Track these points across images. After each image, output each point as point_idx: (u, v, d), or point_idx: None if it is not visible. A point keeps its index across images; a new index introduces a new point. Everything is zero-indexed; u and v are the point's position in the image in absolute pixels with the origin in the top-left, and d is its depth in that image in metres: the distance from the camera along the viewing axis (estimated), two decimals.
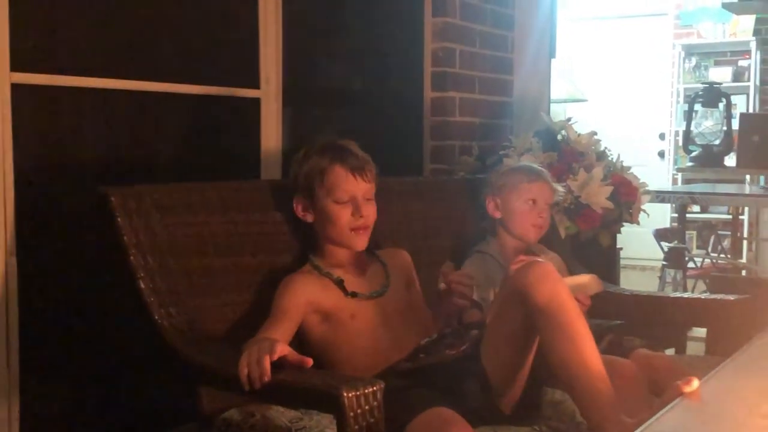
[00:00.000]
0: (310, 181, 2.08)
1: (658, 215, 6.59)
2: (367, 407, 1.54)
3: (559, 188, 2.61)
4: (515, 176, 2.53)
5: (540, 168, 2.61)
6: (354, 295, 2.07)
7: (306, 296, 2.01)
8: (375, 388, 1.56)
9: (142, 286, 1.91)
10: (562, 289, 1.84)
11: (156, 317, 1.91)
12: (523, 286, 1.85)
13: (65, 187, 2.31)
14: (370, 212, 2.11)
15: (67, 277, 2.29)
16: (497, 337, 1.93)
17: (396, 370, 1.98)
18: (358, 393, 1.53)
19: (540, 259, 1.95)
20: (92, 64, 2.36)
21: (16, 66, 2.14)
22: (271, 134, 2.81)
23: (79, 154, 2.37)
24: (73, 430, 2.33)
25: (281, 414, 1.92)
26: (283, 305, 1.98)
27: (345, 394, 1.52)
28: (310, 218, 2.12)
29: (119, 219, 1.93)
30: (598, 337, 2.28)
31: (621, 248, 3.64)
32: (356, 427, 1.52)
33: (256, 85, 2.78)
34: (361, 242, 2.12)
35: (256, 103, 2.78)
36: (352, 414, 1.52)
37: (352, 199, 2.09)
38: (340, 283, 2.07)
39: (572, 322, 1.81)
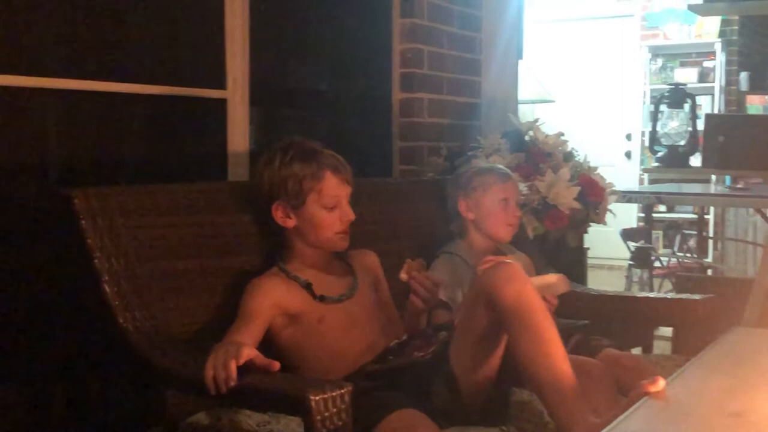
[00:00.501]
0: (296, 187, 2.07)
1: (625, 215, 6.62)
2: (334, 410, 1.53)
3: (523, 188, 2.64)
4: (486, 177, 2.55)
5: (506, 168, 2.64)
6: (322, 298, 2.06)
7: (273, 299, 2.00)
8: (343, 391, 1.55)
9: (107, 289, 1.89)
10: (530, 290, 1.85)
11: (121, 321, 1.89)
12: (490, 287, 1.85)
13: (28, 189, 2.28)
14: (352, 215, 2.12)
15: (30, 280, 2.26)
16: (465, 337, 1.92)
17: (364, 372, 1.97)
18: (325, 396, 1.52)
19: (508, 260, 1.95)
20: (55, 64, 2.33)
21: None
22: (238, 135, 2.79)
23: (42, 155, 2.34)
24: None
25: (248, 417, 1.90)
26: (249, 308, 1.97)
27: (312, 398, 1.51)
28: (291, 223, 2.10)
29: (83, 221, 1.90)
30: (566, 337, 2.29)
31: (588, 248, 3.66)
32: (324, 430, 1.51)
33: (222, 86, 2.76)
34: (346, 243, 2.14)
35: (222, 103, 2.76)
36: (319, 417, 1.51)
37: (340, 204, 2.10)
38: (308, 287, 2.06)
39: (539, 322, 1.81)
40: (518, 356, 1.83)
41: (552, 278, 2.11)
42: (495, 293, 1.83)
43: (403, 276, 2.05)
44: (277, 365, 1.66)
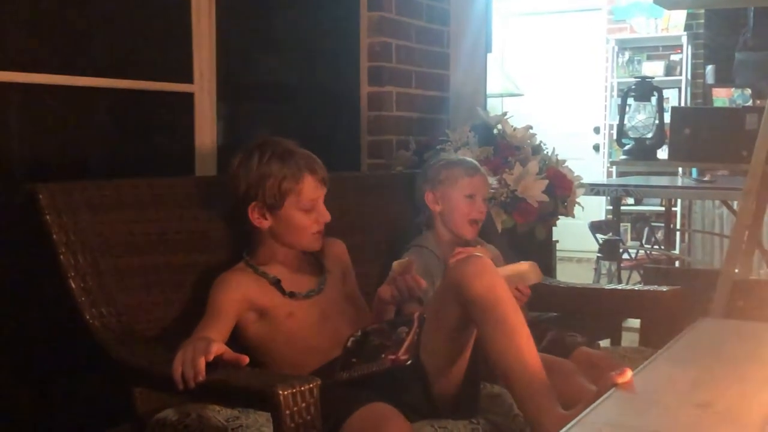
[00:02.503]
0: (275, 188, 2.03)
1: (593, 208, 6.67)
2: (303, 404, 1.53)
3: (493, 182, 2.62)
4: (454, 170, 2.53)
5: (475, 161, 2.63)
6: (291, 294, 2.05)
7: (241, 294, 1.99)
8: (311, 385, 1.55)
9: (73, 285, 1.87)
10: (499, 283, 1.85)
11: (87, 317, 1.87)
12: (460, 280, 1.85)
13: None
14: (328, 216, 2.12)
15: None
16: (436, 331, 1.92)
17: (337, 381, 1.93)
18: (293, 390, 1.52)
19: (477, 253, 1.95)
20: (20, 58, 2.30)
21: None
22: (206, 129, 2.77)
23: (6, 150, 2.31)
24: None
25: (217, 413, 1.89)
26: (217, 303, 1.95)
27: (280, 392, 1.50)
28: (266, 224, 2.07)
29: (48, 217, 1.88)
30: (540, 334, 2.29)
31: (557, 241, 3.68)
32: (292, 424, 1.51)
33: (189, 80, 2.74)
34: (319, 244, 2.13)
35: (189, 97, 2.74)
36: (288, 412, 1.51)
37: (317, 205, 2.09)
38: (277, 284, 2.05)
39: (509, 315, 1.81)
40: (488, 350, 1.84)
41: (523, 267, 2.10)
42: (465, 287, 1.83)
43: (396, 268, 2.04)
44: (245, 360, 1.65)
